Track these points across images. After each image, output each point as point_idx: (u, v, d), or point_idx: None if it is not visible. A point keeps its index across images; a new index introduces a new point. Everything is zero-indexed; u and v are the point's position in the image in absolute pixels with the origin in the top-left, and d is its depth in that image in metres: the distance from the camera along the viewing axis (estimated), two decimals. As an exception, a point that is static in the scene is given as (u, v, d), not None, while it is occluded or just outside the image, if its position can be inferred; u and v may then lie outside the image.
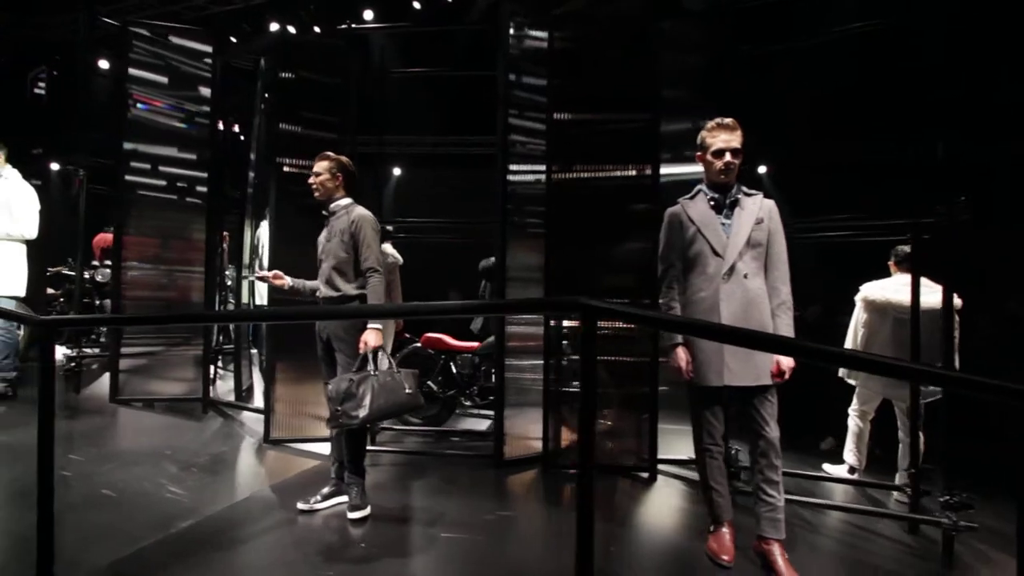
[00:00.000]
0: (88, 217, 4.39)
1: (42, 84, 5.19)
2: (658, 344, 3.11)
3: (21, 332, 3.93)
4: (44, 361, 1.92)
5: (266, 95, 4.95)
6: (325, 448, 3.57)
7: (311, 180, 2.67)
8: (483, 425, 4.26)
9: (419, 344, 4.38)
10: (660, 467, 3.15)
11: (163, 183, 4.08)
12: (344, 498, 2.66)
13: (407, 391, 2.48)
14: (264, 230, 5.18)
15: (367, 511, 2.52)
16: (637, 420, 3.16)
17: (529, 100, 3.39)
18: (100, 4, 4.35)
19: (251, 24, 4.55)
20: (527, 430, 3.41)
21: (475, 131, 5.63)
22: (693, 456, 3.18)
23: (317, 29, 3.63)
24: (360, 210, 2.67)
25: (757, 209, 2.22)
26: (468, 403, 4.25)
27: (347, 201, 2.71)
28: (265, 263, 5.15)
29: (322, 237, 2.72)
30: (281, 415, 3.68)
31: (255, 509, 2.63)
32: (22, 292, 3.69)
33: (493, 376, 4.35)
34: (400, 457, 3.50)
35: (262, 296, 5.06)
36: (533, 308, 1.85)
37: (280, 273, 2.69)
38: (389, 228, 5.30)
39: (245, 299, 4.82)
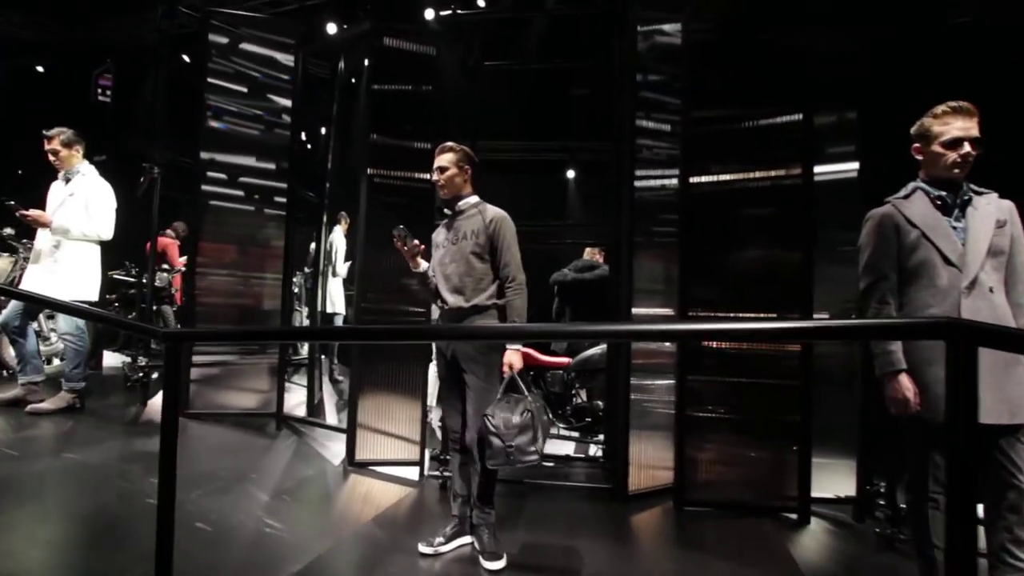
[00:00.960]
0: (150, 218, 4.13)
1: (107, 89, 5.03)
2: (811, 365, 2.73)
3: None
4: (169, 378, 1.63)
5: (335, 105, 4.72)
6: (412, 472, 3.26)
7: (436, 177, 2.37)
8: (568, 448, 3.89)
9: (502, 359, 4.04)
10: (813, 507, 2.74)
11: (240, 193, 3.87)
12: (468, 539, 2.32)
13: (548, 416, 2.16)
14: (337, 235, 4.94)
15: (504, 560, 2.17)
16: (783, 453, 2.77)
17: (655, 100, 3.06)
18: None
19: (328, 25, 4.33)
20: (648, 458, 3.03)
21: (544, 136, 5.35)
22: (847, 495, 2.76)
23: (401, 38, 3.34)
24: (495, 209, 2.36)
25: (995, 210, 1.85)
26: (561, 425, 3.89)
27: (476, 199, 2.40)
28: (340, 269, 4.89)
29: (441, 238, 2.41)
30: (365, 435, 3.36)
31: (368, 549, 2.30)
32: (95, 296, 3.43)
33: (583, 395, 4.02)
34: (500, 487, 3.14)
35: (334, 304, 4.80)
36: (888, 333, 1.49)
37: (419, 249, 2.38)
38: None
39: (318, 306, 4.54)
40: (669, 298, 3.06)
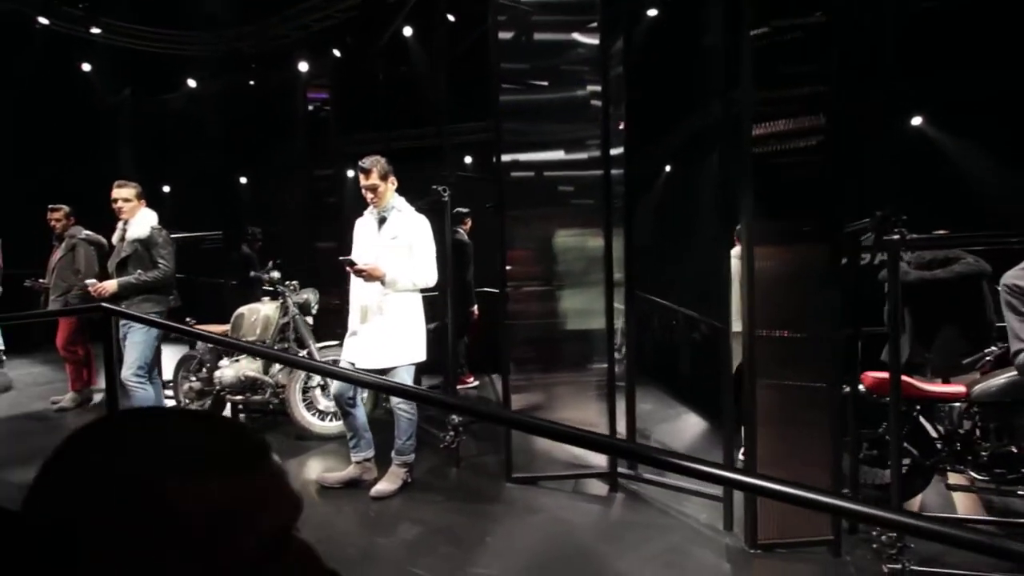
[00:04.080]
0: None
1: (324, 104, 4.34)
2: None
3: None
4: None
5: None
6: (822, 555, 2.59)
7: None
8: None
9: (862, 388, 3.24)
10: None
11: (548, 192, 3.20)
12: None
13: None
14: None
15: None
16: None
17: None
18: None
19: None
20: None
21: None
22: None
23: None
24: None
25: None
26: (978, 475, 3.09)
27: None
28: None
29: None
30: (762, 502, 2.69)
31: None
32: (424, 355, 2.90)
33: (989, 435, 3.18)
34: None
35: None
36: None
37: None
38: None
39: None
40: None
